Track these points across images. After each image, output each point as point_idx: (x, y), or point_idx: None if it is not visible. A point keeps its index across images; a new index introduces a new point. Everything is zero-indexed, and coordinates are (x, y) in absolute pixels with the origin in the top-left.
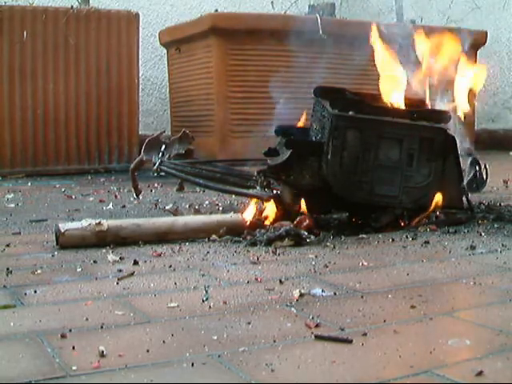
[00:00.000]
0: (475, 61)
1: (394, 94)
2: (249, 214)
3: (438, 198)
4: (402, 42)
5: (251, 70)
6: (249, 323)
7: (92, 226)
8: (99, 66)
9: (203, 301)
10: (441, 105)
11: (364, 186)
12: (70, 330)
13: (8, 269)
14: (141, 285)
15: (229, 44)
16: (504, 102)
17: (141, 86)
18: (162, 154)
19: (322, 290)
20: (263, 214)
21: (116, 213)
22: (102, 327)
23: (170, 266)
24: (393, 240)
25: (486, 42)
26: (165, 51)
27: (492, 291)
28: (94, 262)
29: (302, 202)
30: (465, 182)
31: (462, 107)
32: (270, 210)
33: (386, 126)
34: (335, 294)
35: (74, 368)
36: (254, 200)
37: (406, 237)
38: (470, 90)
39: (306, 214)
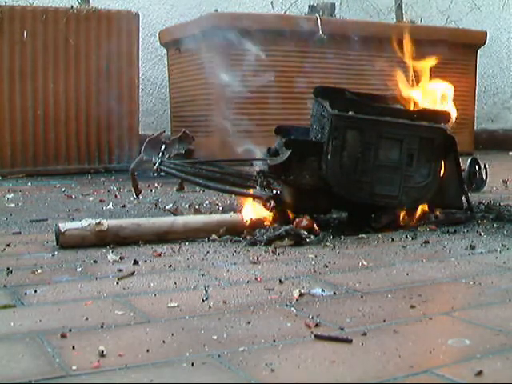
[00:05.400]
0: (475, 61)
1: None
2: (246, 215)
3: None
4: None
5: (251, 70)
6: (249, 323)
7: (92, 226)
8: (99, 65)
9: (203, 301)
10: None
11: (364, 186)
12: (70, 330)
13: (8, 268)
14: (141, 285)
15: (229, 44)
16: (504, 102)
17: (141, 86)
18: (162, 154)
19: (322, 290)
20: (260, 216)
21: (116, 213)
22: (102, 327)
23: (170, 266)
24: (392, 240)
25: (485, 42)
26: (165, 51)
27: (491, 291)
28: (94, 261)
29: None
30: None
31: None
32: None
33: (386, 126)
34: (335, 293)
35: (74, 368)
36: (246, 200)
37: (406, 237)
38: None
39: (303, 216)
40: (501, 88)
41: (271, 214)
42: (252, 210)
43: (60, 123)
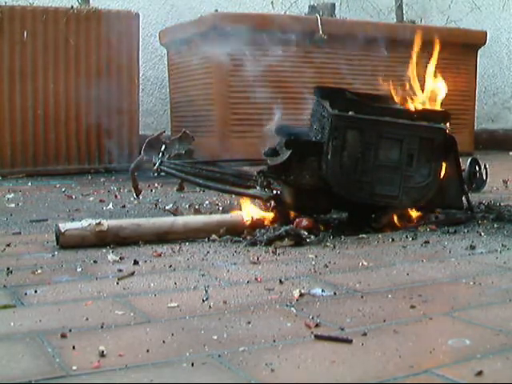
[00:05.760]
0: (475, 61)
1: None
2: (245, 214)
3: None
4: None
5: (251, 70)
6: (249, 323)
7: (92, 226)
8: (99, 66)
9: (203, 301)
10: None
11: (364, 186)
12: (70, 330)
13: (8, 269)
14: (141, 285)
15: (229, 44)
16: (504, 102)
17: (141, 86)
18: (162, 154)
19: (322, 290)
20: (260, 216)
21: (116, 213)
22: (102, 327)
23: (170, 266)
24: (393, 240)
25: (485, 42)
26: (165, 51)
27: (492, 291)
28: (94, 261)
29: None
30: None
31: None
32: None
33: (386, 126)
34: (335, 293)
35: (74, 368)
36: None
37: (406, 237)
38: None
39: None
40: (501, 88)
41: (270, 213)
42: (248, 210)
43: (60, 123)
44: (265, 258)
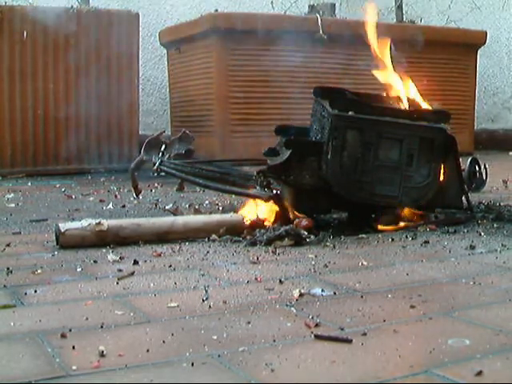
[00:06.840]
0: (475, 61)
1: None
2: (248, 214)
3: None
4: None
5: (251, 70)
6: (249, 323)
7: (92, 226)
8: (99, 65)
9: (203, 300)
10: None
11: (364, 186)
12: (70, 330)
13: (8, 268)
14: (141, 285)
15: (229, 44)
16: (504, 102)
17: (141, 86)
18: (162, 154)
19: (322, 290)
20: (261, 216)
21: (116, 213)
22: (101, 327)
23: (170, 266)
24: (392, 240)
25: (485, 42)
26: (165, 51)
27: (491, 291)
28: (94, 261)
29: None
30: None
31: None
32: (269, 212)
33: (386, 126)
34: (335, 293)
35: (73, 368)
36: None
37: (406, 237)
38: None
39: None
40: (501, 88)
41: (276, 207)
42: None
43: (60, 123)
44: (265, 257)
